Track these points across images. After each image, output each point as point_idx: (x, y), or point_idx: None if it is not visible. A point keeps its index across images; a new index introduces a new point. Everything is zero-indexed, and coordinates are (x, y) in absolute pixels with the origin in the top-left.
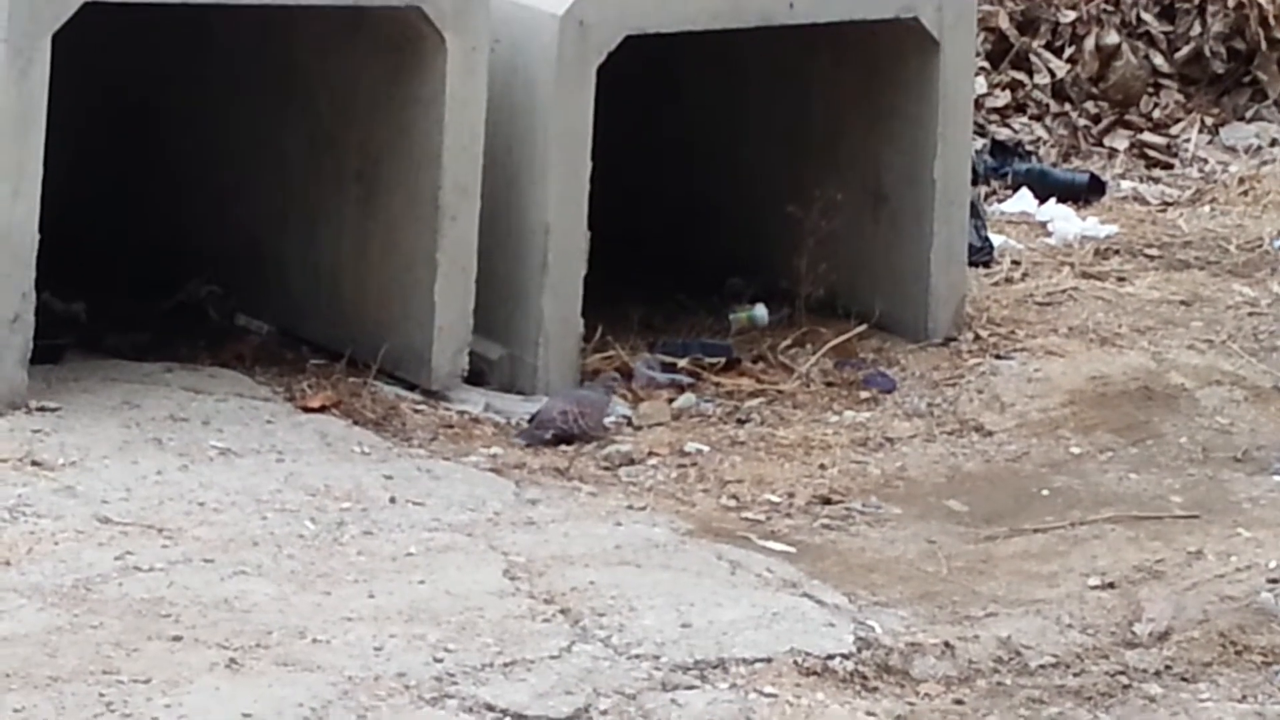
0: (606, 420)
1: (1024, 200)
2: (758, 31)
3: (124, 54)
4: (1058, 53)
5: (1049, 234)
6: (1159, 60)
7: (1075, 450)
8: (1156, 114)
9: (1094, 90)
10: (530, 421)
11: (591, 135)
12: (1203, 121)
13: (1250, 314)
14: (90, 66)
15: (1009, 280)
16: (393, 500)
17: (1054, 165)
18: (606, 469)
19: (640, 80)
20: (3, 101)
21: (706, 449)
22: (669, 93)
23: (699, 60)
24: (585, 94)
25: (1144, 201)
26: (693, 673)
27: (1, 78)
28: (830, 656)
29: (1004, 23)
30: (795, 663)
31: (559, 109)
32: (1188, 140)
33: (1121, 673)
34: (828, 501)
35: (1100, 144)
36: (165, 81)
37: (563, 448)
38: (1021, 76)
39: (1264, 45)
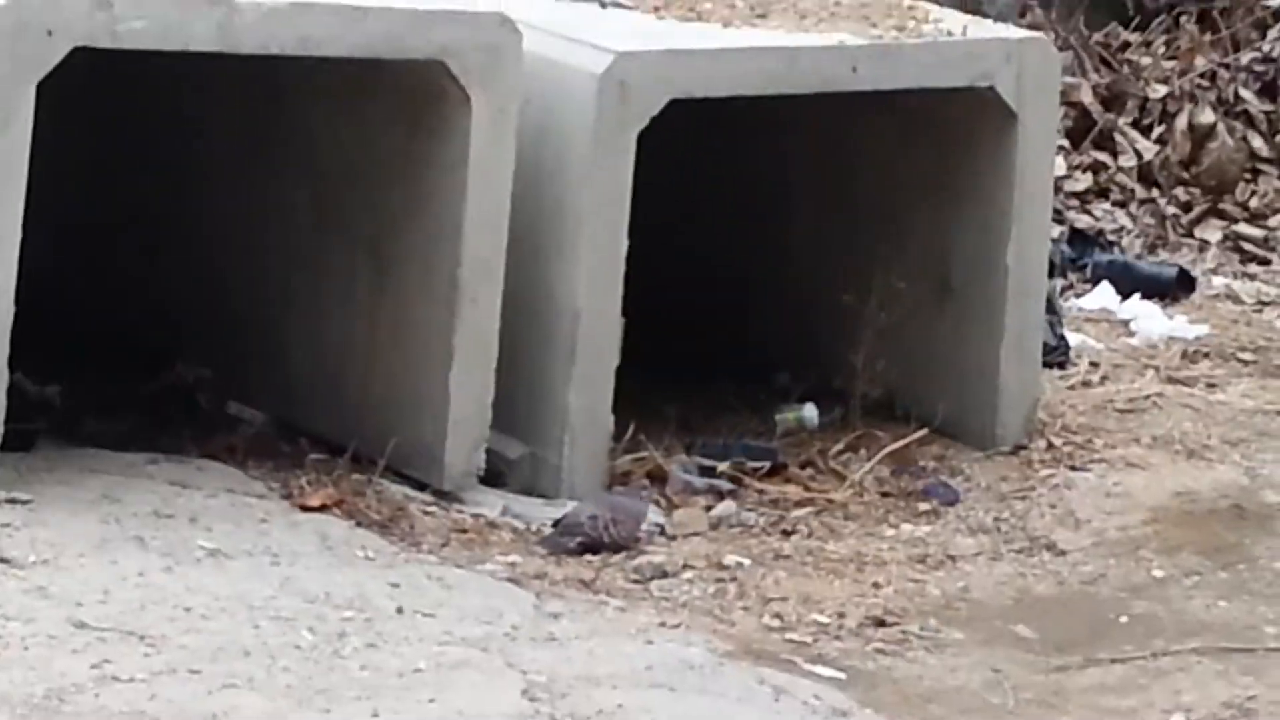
0: (640, 530)
1: (1105, 295)
2: (815, 98)
3: (109, 102)
4: (1146, 132)
5: (1132, 334)
6: (1258, 143)
7: (1158, 573)
8: (1254, 203)
9: (1185, 175)
10: (555, 526)
11: (629, 211)
12: None
13: None
14: (68, 117)
15: (1087, 384)
16: (400, 610)
17: (1139, 257)
18: (637, 582)
19: (682, 147)
20: None
21: (748, 563)
22: (713, 163)
23: (749, 127)
24: (624, 164)
25: (1238, 300)
26: None
27: None
28: None
29: (1087, 97)
30: None
31: (594, 180)
32: None
33: None
34: (882, 624)
35: (1190, 235)
36: (154, 134)
37: (588, 557)
38: (1105, 158)
39: None
